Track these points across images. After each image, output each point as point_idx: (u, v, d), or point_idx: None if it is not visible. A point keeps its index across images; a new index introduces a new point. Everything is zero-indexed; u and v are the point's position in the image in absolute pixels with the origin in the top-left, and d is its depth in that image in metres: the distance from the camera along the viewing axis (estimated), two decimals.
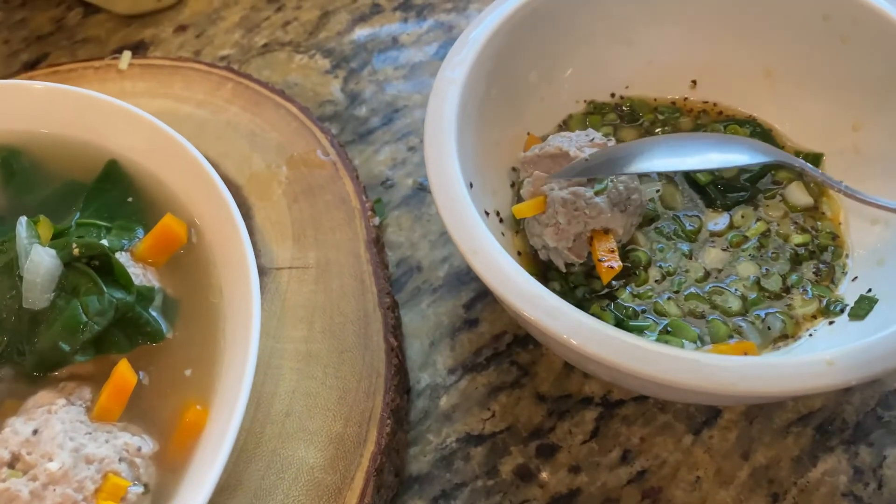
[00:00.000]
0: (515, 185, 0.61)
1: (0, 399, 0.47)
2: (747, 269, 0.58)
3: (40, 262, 0.47)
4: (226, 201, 0.51)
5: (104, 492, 0.42)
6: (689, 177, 0.62)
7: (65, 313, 0.46)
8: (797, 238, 0.59)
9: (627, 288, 0.57)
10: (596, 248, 0.55)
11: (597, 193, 0.55)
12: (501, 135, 0.61)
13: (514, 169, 0.62)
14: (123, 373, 0.46)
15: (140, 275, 0.50)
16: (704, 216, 0.60)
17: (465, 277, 0.64)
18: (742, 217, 0.60)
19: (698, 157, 0.54)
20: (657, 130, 0.65)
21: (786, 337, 0.55)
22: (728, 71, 0.65)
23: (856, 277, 0.57)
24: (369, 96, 0.76)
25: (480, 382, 0.59)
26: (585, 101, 0.66)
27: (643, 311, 0.56)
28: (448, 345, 0.61)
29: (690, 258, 0.59)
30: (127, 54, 0.71)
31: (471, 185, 0.53)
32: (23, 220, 0.49)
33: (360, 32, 0.81)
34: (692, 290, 0.57)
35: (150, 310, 0.49)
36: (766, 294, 0.57)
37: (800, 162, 0.55)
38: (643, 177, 0.61)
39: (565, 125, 0.65)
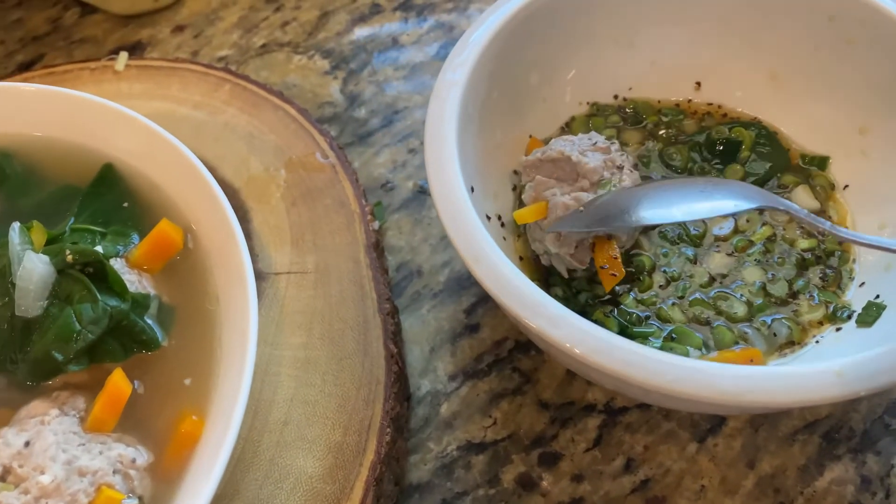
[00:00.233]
0: (517, 189, 0.60)
1: None
2: (753, 274, 0.57)
3: (33, 268, 0.46)
4: (222, 206, 0.50)
5: None
6: None
7: (58, 321, 0.45)
8: (803, 243, 0.58)
9: (631, 293, 0.56)
10: (598, 255, 0.54)
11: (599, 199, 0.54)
12: (503, 137, 0.60)
13: (515, 172, 0.61)
14: (118, 382, 0.45)
15: (135, 282, 0.49)
16: (709, 220, 0.59)
17: (466, 282, 0.63)
18: (747, 221, 0.59)
19: (685, 207, 0.53)
20: (661, 132, 0.64)
21: (792, 343, 0.54)
22: (733, 72, 0.64)
23: (863, 283, 0.56)
24: (369, 97, 0.75)
25: (482, 389, 0.58)
26: (588, 103, 0.65)
27: (647, 318, 0.55)
28: (449, 351, 0.60)
29: (695, 263, 0.58)
30: (123, 55, 0.71)
31: (472, 189, 0.52)
32: (15, 225, 0.48)
33: (360, 33, 0.80)
34: (697, 295, 0.56)
35: (145, 317, 0.48)
36: (772, 300, 0.56)
37: (785, 204, 0.53)
38: (646, 179, 0.60)
39: (568, 127, 0.64)
